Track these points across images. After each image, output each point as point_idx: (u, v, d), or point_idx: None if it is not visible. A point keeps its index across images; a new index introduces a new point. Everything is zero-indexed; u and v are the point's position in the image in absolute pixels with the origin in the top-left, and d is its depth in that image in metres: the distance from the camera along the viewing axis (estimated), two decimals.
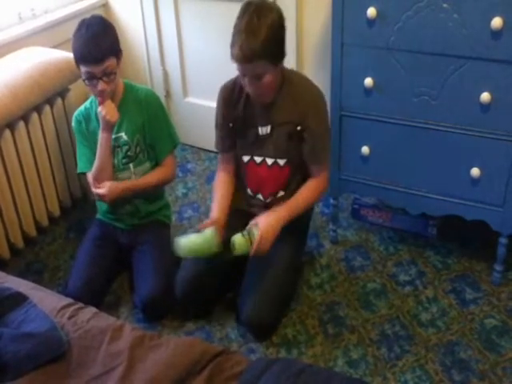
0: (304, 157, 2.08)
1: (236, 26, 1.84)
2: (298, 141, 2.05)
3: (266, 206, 2.12)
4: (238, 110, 2.08)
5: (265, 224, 1.92)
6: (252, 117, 2.06)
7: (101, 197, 2.20)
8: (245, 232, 1.93)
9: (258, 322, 2.00)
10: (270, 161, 2.09)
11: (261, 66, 1.84)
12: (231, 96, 2.09)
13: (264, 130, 2.06)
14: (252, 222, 1.96)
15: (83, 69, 2.07)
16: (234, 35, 1.84)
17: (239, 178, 2.21)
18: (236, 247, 1.92)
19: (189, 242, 1.98)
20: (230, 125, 2.11)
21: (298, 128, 2.02)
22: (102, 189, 2.17)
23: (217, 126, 2.17)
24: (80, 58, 2.06)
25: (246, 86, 1.95)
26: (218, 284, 2.16)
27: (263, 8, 1.84)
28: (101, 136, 2.16)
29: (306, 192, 2.08)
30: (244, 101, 2.06)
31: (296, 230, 2.15)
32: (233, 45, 1.84)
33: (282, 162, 2.08)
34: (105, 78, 2.07)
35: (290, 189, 2.12)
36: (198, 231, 2.00)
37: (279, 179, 2.11)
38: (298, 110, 2.00)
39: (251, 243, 1.90)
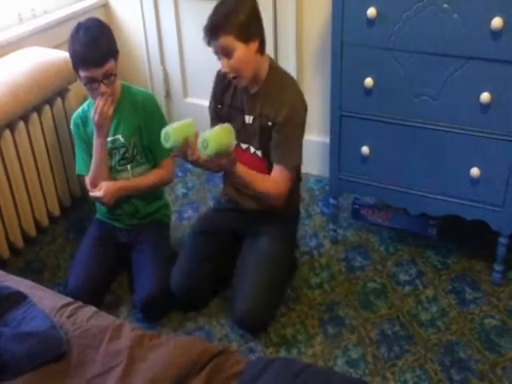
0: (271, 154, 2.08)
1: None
2: (269, 137, 2.06)
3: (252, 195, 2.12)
4: (227, 96, 2.13)
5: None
6: (240, 104, 2.10)
7: (99, 199, 2.20)
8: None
9: (249, 319, 2.01)
10: (252, 149, 2.12)
11: (228, 41, 1.88)
12: (223, 80, 2.14)
13: (248, 119, 2.09)
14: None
15: (83, 73, 2.05)
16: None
17: None
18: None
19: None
20: (219, 106, 2.17)
21: (269, 124, 2.04)
22: (99, 191, 2.18)
23: (209, 106, 2.22)
24: (80, 62, 2.05)
25: (222, 67, 1.98)
26: (212, 276, 2.18)
27: None
28: (95, 142, 2.17)
29: (265, 180, 2.04)
30: (234, 88, 2.11)
31: (285, 228, 2.19)
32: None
33: (259, 153, 2.11)
34: (105, 81, 2.07)
35: None
36: None
37: (260, 170, 2.10)
38: (274, 106, 2.01)
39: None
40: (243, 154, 2.12)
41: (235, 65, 1.93)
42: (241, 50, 1.90)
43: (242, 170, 1.96)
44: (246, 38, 1.90)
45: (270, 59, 2.08)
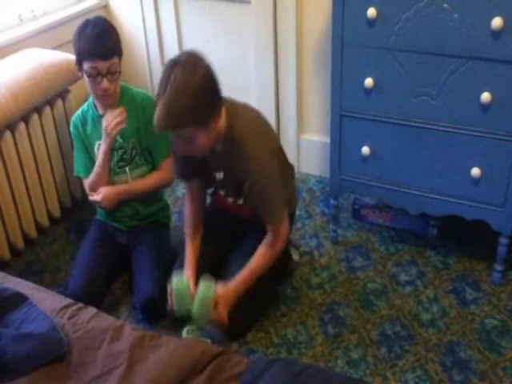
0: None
1: (157, 93, 1.71)
2: (241, 185, 1.95)
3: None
4: (190, 166, 2.02)
5: (222, 297, 1.91)
6: (208, 162, 1.98)
7: (98, 203, 2.21)
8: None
9: (229, 321, 1.97)
10: (240, 201, 2.06)
11: (186, 132, 1.73)
12: (179, 157, 2.02)
13: (219, 175, 2.01)
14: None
15: (88, 64, 2.05)
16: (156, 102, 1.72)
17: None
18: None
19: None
20: (188, 177, 2.10)
21: (245, 181, 1.91)
22: (97, 195, 2.19)
23: (173, 153, 2.07)
24: (87, 54, 2.05)
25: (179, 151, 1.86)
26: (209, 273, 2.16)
27: (184, 70, 1.67)
28: (100, 148, 2.20)
29: (260, 260, 1.98)
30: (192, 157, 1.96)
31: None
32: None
33: (240, 201, 2.06)
34: (109, 77, 2.08)
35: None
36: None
37: (245, 210, 2.08)
38: (244, 168, 1.87)
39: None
40: (225, 199, 2.10)
41: (197, 149, 1.80)
42: (201, 137, 1.75)
43: (237, 288, 1.93)
44: (204, 124, 1.73)
45: (225, 106, 1.84)
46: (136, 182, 2.27)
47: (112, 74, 2.08)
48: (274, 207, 1.95)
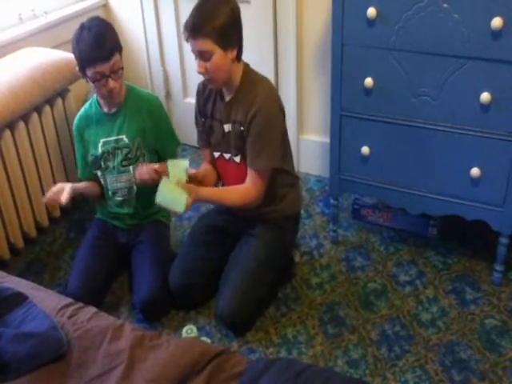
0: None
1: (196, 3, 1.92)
2: (244, 142, 2.06)
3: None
4: (208, 107, 2.14)
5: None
6: (219, 114, 2.11)
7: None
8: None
9: (230, 317, 2.03)
10: (237, 158, 2.12)
11: (206, 44, 1.88)
12: (203, 92, 2.16)
13: (227, 128, 2.10)
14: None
15: (91, 70, 2.06)
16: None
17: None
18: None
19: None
20: (203, 119, 2.19)
21: (241, 128, 2.04)
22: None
23: (195, 121, 2.24)
24: (87, 59, 2.05)
25: (197, 67, 1.98)
26: (211, 275, 2.19)
27: None
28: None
29: (233, 192, 2.11)
30: (213, 98, 2.12)
31: (279, 231, 2.18)
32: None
33: (237, 159, 2.11)
34: (113, 75, 2.08)
35: None
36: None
37: (243, 173, 2.12)
38: (244, 110, 2.01)
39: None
40: (227, 164, 2.15)
41: (210, 68, 1.93)
42: (218, 56, 1.91)
43: (206, 193, 2.04)
44: (224, 45, 1.91)
45: (245, 65, 2.06)
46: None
47: (115, 72, 2.09)
48: (263, 152, 2.02)
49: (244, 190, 2.08)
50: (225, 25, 1.89)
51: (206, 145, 2.24)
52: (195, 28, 1.88)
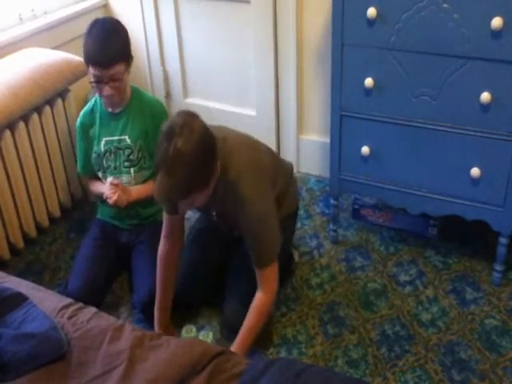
0: None
1: (156, 163, 1.64)
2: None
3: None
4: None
5: None
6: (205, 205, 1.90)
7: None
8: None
9: (236, 324, 1.93)
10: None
11: (191, 199, 1.69)
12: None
13: (214, 216, 2.01)
14: None
15: (91, 71, 2.07)
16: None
17: None
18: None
19: None
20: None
21: (241, 222, 1.85)
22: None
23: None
24: (88, 60, 2.06)
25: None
26: (211, 275, 2.19)
27: (181, 139, 1.58)
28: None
29: (254, 318, 1.88)
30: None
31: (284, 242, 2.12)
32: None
33: (236, 233, 2.04)
34: (111, 83, 2.07)
35: None
36: None
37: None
38: (236, 207, 1.83)
39: None
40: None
41: (198, 205, 1.81)
42: (202, 195, 1.73)
43: (240, 350, 1.80)
44: (206, 186, 1.71)
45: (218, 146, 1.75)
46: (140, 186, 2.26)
47: (114, 80, 2.07)
48: (265, 251, 1.87)
49: (263, 307, 1.88)
50: (202, 172, 1.67)
51: (176, 213, 1.97)
52: (176, 196, 1.66)
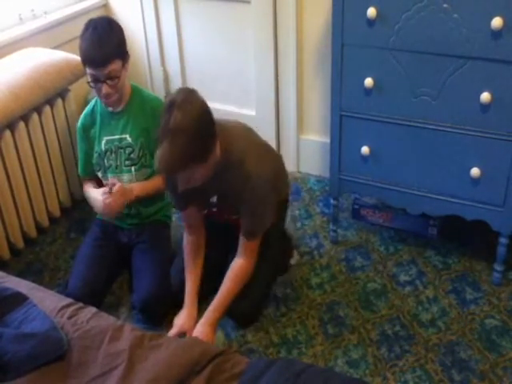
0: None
1: (158, 136, 1.71)
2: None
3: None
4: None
5: (202, 336, 1.89)
6: (202, 186, 1.92)
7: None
8: None
9: (242, 320, 2.07)
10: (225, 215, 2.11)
11: (190, 171, 1.74)
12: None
13: (212, 199, 2.04)
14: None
15: (88, 71, 2.07)
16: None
17: None
18: None
19: None
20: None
21: (243, 196, 1.91)
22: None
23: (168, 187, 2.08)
24: (85, 60, 2.07)
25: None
26: (208, 274, 2.17)
27: (180, 112, 1.65)
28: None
29: (235, 281, 1.99)
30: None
31: (278, 230, 2.20)
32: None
33: (235, 217, 2.07)
34: (109, 82, 2.07)
35: None
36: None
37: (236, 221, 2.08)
38: (239, 184, 1.89)
39: None
40: (216, 213, 2.12)
41: (197, 182, 1.83)
42: (201, 171, 1.78)
43: (215, 318, 1.94)
44: (205, 161, 1.76)
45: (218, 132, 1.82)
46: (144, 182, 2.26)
47: (111, 78, 2.07)
48: (257, 226, 1.99)
49: (243, 271, 2.00)
50: (201, 146, 1.73)
51: (185, 207, 2.07)
52: (176, 168, 1.71)
